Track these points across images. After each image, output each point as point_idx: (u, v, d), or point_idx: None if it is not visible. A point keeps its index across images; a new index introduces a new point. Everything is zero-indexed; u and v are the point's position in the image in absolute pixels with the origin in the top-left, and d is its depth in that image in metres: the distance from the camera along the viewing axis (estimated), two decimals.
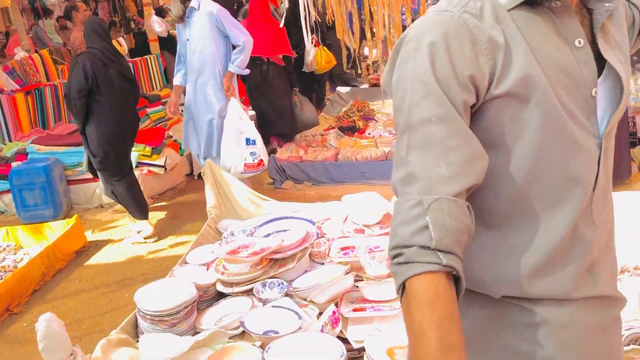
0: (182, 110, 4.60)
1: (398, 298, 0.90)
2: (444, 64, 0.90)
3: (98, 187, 4.43)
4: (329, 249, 2.53)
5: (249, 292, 2.41)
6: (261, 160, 4.01)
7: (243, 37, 3.98)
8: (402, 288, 0.86)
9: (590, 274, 1.00)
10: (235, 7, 7.26)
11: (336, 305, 2.20)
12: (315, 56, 5.76)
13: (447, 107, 0.90)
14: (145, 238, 3.87)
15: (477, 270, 1.00)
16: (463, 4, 0.93)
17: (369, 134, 5.40)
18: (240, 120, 3.97)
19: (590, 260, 1.00)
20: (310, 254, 2.56)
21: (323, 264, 2.51)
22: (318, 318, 2.20)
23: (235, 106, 4.00)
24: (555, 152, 0.95)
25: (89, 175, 4.21)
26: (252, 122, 4.19)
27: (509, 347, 1.01)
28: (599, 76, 0.97)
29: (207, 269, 2.58)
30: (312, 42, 5.68)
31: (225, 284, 2.43)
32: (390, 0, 4.74)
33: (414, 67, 0.92)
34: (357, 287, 2.28)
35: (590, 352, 1.01)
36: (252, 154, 3.95)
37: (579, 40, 0.95)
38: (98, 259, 3.75)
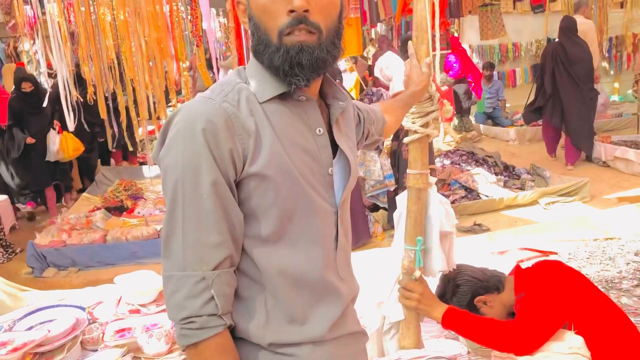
0: None
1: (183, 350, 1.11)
2: (211, 145, 1.06)
3: None
4: (103, 334, 2.43)
5: None
6: None
7: None
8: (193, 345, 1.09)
9: (343, 317, 1.22)
10: None
11: None
12: (61, 144, 5.56)
13: (219, 181, 1.07)
14: None
15: (244, 323, 1.15)
16: (224, 95, 1.11)
17: (139, 212, 5.31)
18: None
19: (343, 305, 1.21)
20: (82, 342, 2.42)
21: (97, 350, 2.40)
22: None
23: None
24: (301, 219, 1.15)
25: None
26: None
27: None
28: (333, 157, 1.22)
29: None
30: (55, 129, 5.49)
31: None
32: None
33: (185, 149, 1.06)
34: None
35: None
36: None
37: (319, 129, 1.19)
38: None
